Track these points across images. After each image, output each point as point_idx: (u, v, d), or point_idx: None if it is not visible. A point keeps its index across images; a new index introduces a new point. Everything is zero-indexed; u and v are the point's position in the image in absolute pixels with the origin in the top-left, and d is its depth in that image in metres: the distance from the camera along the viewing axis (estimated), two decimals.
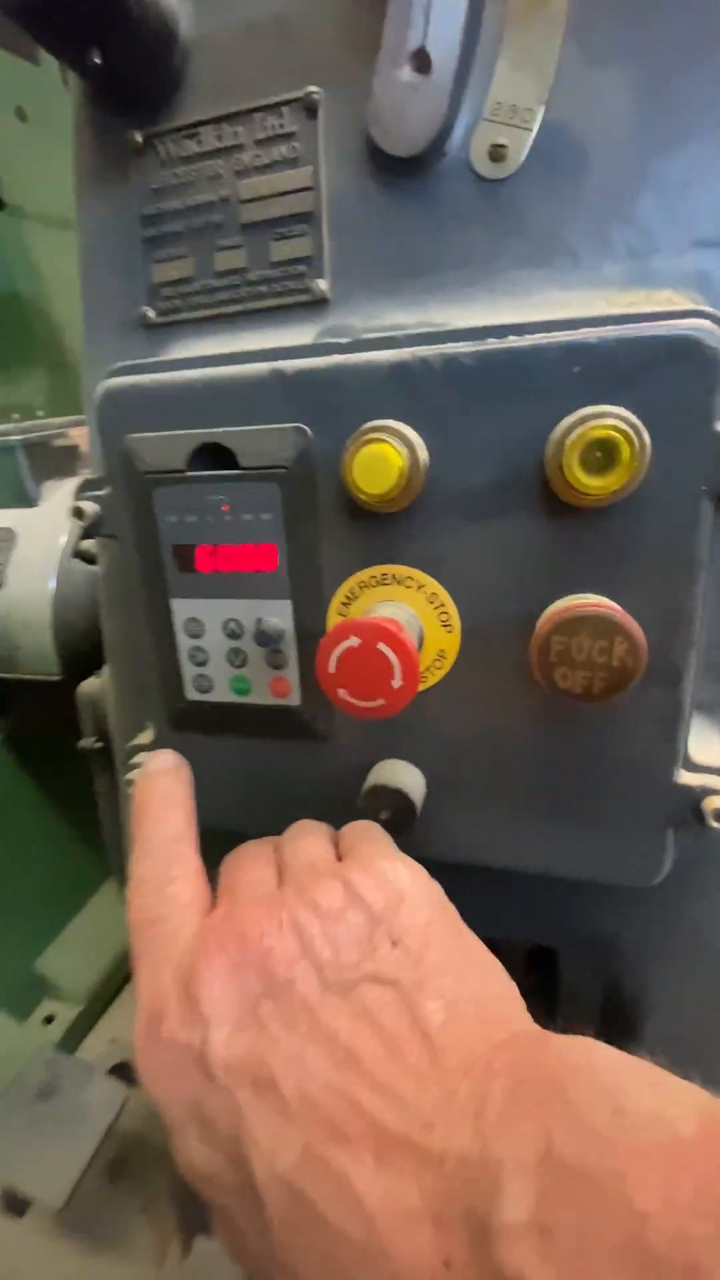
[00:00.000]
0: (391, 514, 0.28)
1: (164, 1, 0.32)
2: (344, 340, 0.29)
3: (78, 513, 0.33)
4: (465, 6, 0.29)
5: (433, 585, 0.29)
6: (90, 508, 0.33)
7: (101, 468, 0.33)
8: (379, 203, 0.32)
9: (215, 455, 0.30)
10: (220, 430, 0.30)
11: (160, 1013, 0.22)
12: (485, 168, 0.31)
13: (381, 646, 0.25)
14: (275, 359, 0.29)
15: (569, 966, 0.48)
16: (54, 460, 0.73)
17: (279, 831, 0.35)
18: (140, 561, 0.33)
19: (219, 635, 0.33)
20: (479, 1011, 0.21)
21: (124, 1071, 0.72)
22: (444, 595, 0.29)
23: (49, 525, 0.67)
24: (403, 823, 0.30)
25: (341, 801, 0.33)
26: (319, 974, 0.21)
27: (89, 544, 0.68)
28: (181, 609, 0.33)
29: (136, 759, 0.39)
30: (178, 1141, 0.21)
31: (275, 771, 0.35)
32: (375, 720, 0.32)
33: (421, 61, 0.30)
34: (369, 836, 0.28)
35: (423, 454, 0.27)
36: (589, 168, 0.30)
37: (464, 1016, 0.20)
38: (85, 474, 0.34)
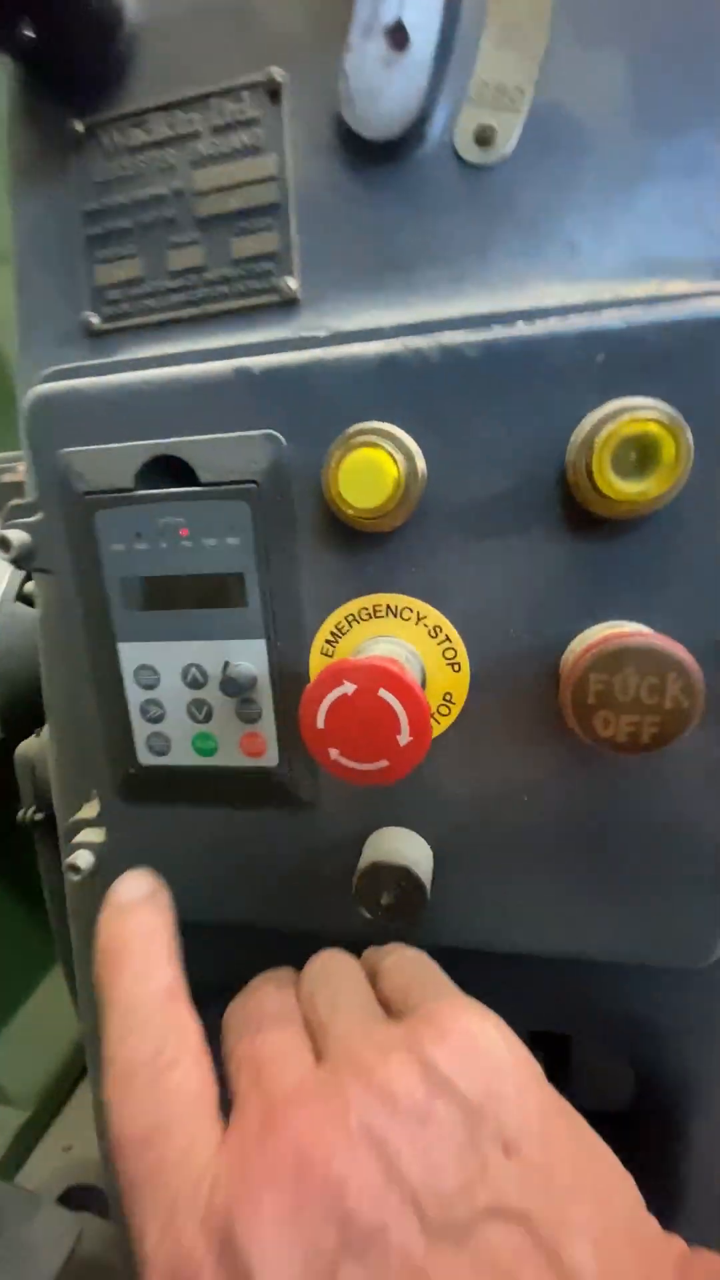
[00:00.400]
0: (384, 534, 0.24)
1: None
2: (320, 334, 0.24)
3: (2, 543, 0.27)
4: None
5: (435, 616, 0.24)
6: (18, 537, 0.27)
7: (33, 490, 0.28)
8: (353, 193, 0.29)
9: (169, 470, 0.26)
10: (175, 440, 0.25)
11: None
12: (471, 152, 0.28)
13: (384, 694, 0.20)
14: (238, 356, 0.25)
15: (587, 1053, 0.42)
16: None
17: (257, 923, 0.29)
18: (80, 599, 0.28)
19: (178, 685, 0.28)
20: (631, 1245, 0.15)
21: (76, 1198, 0.62)
22: (449, 628, 0.24)
23: None
24: (410, 907, 0.25)
25: (331, 882, 0.28)
26: (417, 1212, 0.15)
27: (33, 585, 0.62)
28: (131, 654, 0.28)
29: (80, 837, 0.32)
30: None
31: (249, 847, 0.29)
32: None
33: (398, 36, 0.27)
34: (424, 977, 0.22)
35: (420, 461, 0.22)
36: (586, 152, 0.27)
37: (619, 1257, 0.15)
38: (14, 501, 0.29)
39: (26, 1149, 0.74)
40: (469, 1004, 0.20)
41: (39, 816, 0.43)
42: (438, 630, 0.25)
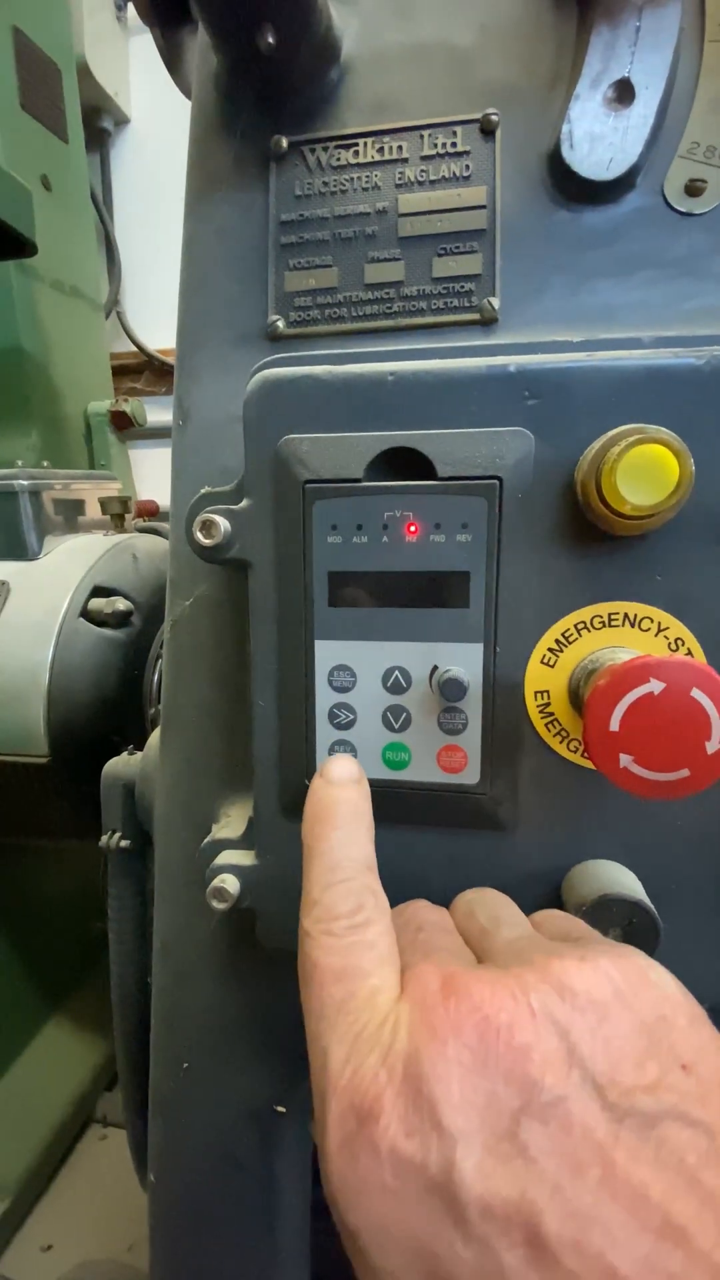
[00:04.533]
0: (629, 539, 0.23)
1: (333, 14, 0.30)
2: (574, 339, 0.24)
3: (205, 528, 0.26)
4: (674, 44, 0.28)
5: (678, 629, 0.24)
6: (222, 524, 0.26)
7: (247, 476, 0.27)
8: (559, 226, 0.30)
9: (396, 464, 0.25)
10: (416, 433, 0.24)
11: (372, 1111, 0.16)
12: (681, 201, 0.29)
13: (697, 694, 0.18)
14: (444, 357, 0.25)
15: None
16: (57, 513, 0.65)
17: None
18: (278, 593, 0.26)
19: (375, 689, 0.26)
20: None
21: None
22: (692, 641, 0.24)
23: (51, 581, 0.58)
24: (640, 947, 0.23)
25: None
26: (599, 1095, 0.15)
27: (100, 603, 0.59)
28: (328, 654, 0.26)
29: (222, 859, 0.29)
30: None
31: (432, 873, 0.27)
32: (580, 805, 0.26)
33: (623, 91, 0.29)
34: (586, 930, 0.21)
35: (690, 465, 0.22)
36: None
37: None
38: (206, 489, 0.27)
39: (4, 1240, 0.64)
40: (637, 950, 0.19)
41: (125, 844, 0.39)
42: (679, 643, 0.24)
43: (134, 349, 1.30)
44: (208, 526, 0.26)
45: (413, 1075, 0.16)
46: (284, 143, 0.32)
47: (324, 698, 0.26)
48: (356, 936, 0.19)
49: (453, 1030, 0.16)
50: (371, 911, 0.20)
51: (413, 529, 0.24)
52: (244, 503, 0.26)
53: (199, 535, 0.26)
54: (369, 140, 0.31)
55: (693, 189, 0.29)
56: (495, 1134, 0.15)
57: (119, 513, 0.69)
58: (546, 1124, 0.15)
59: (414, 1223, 0.15)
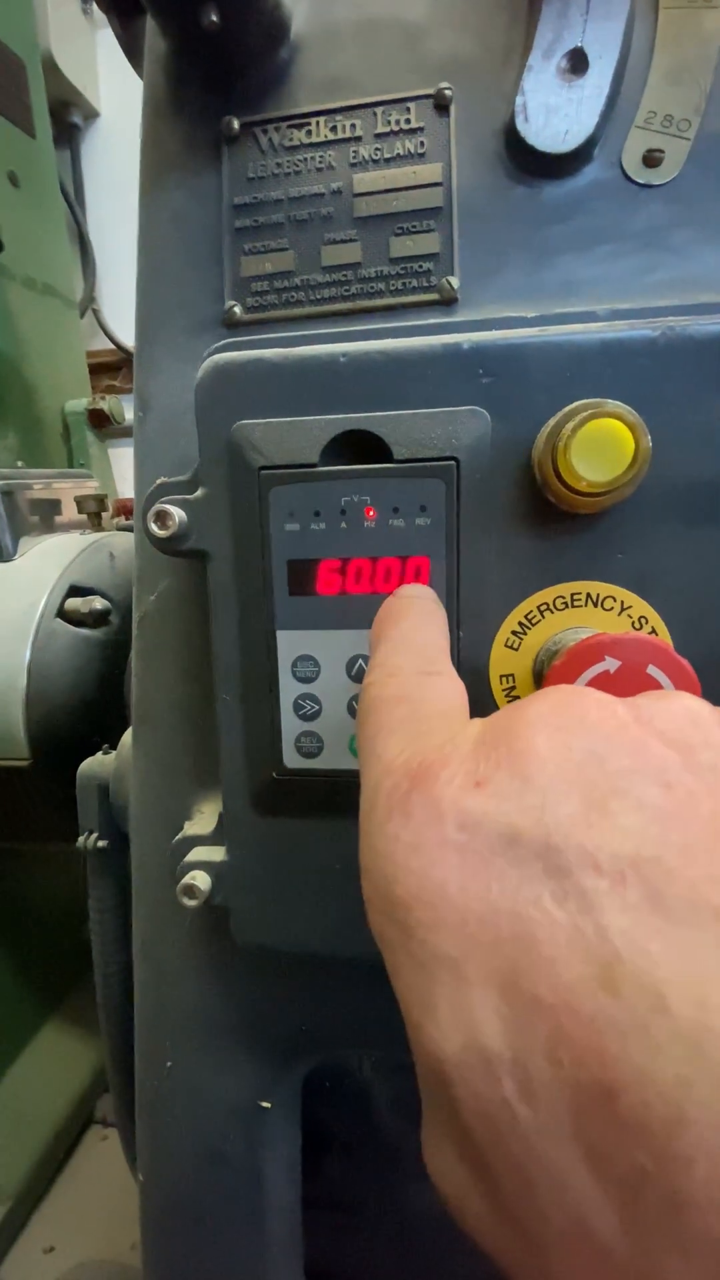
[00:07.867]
0: (589, 517, 0.23)
1: None
2: (528, 315, 0.24)
3: (160, 518, 0.25)
4: (627, 12, 0.27)
5: (641, 607, 0.23)
6: (176, 514, 0.25)
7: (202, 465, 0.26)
8: (517, 202, 0.29)
9: (353, 447, 0.24)
10: (371, 415, 0.24)
11: (430, 769, 0.13)
12: (640, 173, 0.29)
13: (653, 670, 0.18)
14: (429, 335, 0.24)
15: None
16: (33, 514, 0.64)
17: None
18: (238, 583, 0.26)
19: (340, 678, 0.25)
20: None
21: None
22: (656, 619, 0.23)
23: (27, 582, 0.58)
24: None
25: None
26: None
27: (77, 603, 0.58)
28: (291, 644, 0.25)
29: (193, 856, 0.29)
30: (438, 997, 0.11)
31: None
32: None
33: (577, 60, 0.28)
34: None
35: (648, 440, 0.22)
36: None
37: None
38: (162, 480, 0.27)
39: (7, 1243, 0.63)
40: None
41: (101, 844, 0.38)
42: (643, 621, 0.23)
43: (111, 346, 1.28)
44: (162, 517, 0.25)
45: (485, 738, 0.13)
46: (235, 124, 0.31)
47: (289, 689, 0.26)
48: (422, 681, 0.17)
49: (547, 703, 0.13)
50: (441, 668, 0.17)
51: (371, 514, 0.24)
52: (199, 492, 0.26)
53: (153, 526, 0.25)
54: (321, 119, 0.31)
55: (650, 159, 0.29)
56: (598, 789, 0.12)
57: (95, 511, 0.68)
58: (668, 788, 0.12)
59: (486, 879, 0.11)
